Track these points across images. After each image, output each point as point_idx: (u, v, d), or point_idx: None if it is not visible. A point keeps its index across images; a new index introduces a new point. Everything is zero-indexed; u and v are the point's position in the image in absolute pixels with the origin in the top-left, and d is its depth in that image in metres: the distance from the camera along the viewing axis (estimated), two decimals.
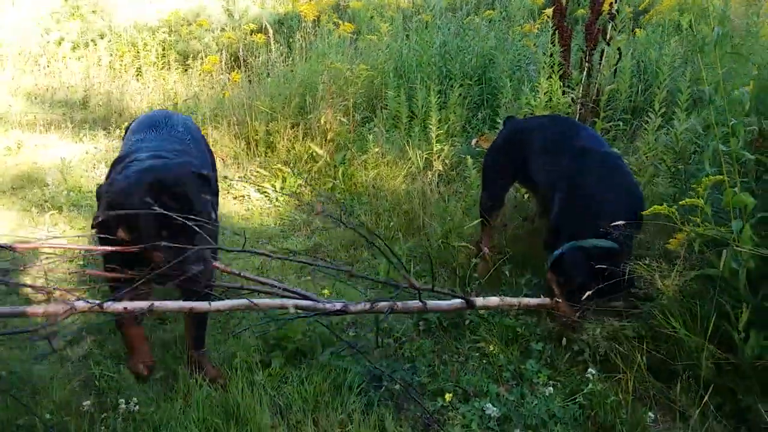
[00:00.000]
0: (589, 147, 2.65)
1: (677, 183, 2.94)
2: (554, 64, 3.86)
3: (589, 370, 2.11)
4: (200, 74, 6.90)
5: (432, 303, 2.18)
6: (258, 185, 4.37)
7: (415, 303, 2.13)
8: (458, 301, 2.21)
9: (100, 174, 4.53)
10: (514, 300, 2.35)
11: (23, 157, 5.08)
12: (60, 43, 8.92)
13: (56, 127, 5.98)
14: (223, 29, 8.09)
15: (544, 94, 3.79)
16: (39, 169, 4.73)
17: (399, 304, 2.10)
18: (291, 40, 6.60)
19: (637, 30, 5.24)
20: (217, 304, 1.90)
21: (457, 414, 2.05)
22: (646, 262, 2.12)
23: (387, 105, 4.85)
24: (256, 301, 1.94)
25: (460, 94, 4.66)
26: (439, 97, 4.44)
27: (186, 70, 7.23)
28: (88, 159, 4.99)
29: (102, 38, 8.68)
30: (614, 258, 2.21)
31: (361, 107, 4.95)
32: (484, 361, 2.35)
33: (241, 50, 6.51)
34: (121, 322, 2.09)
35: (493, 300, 2.30)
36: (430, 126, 4.22)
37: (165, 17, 8.73)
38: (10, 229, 3.64)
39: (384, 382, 2.19)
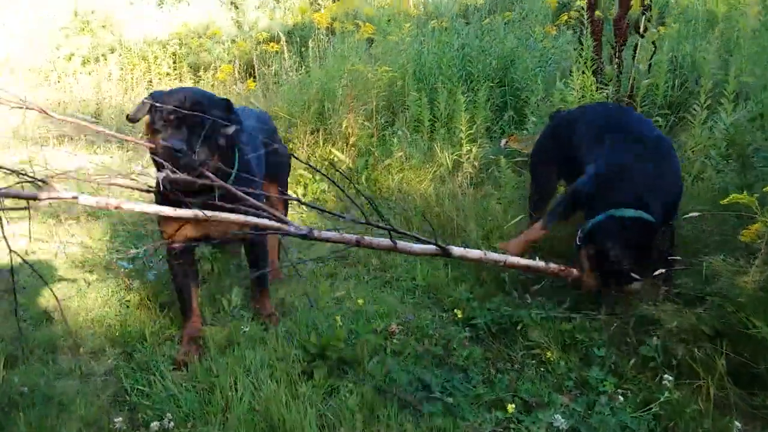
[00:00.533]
0: (636, 131, 2.54)
1: (728, 175, 2.78)
2: (588, 59, 3.72)
3: (666, 376, 1.93)
4: (213, 84, 6.82)
5: (402, 244, 1.99)
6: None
7: (384, 240, 1.95)
8: (431, 247, 2.02)
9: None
10: (500, 257, 2.15)
11: (37, 170, 4.96)
12: (70, 59, 8.88)
13: (69, 140, 5.88)
14: (233, 41, 8.03)
15: (579, 89, 3.65)
16: (53, 181, 4.60)
17: (367, 238, 1.93)
18: (303, 48, 6.51)
19: (660, 27, 5.11)
20: (180, 212, 1.86)
21: (521, 426, 1.87)
22: (721, 257, 1.95)
23: (408, 108, 4.72)
24: (219, 214, 1.85)
25: (483, 96, 4.52)
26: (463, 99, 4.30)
27: (198, 81, 7.16)
28: (103, 170, 4.87)
29: (112, 53, 8.64)
30: (651, 234, 2.20)
31: (382, 111, 4.82)
32: (542, 369, 2.17)
33: (255, 59, 6.42)
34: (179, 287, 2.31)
35: (474, 252, 2.09)
36: (459, 127, 4.08)
37: (175, 30, 8.70)
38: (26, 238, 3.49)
39: (435, 392, 2.02)
